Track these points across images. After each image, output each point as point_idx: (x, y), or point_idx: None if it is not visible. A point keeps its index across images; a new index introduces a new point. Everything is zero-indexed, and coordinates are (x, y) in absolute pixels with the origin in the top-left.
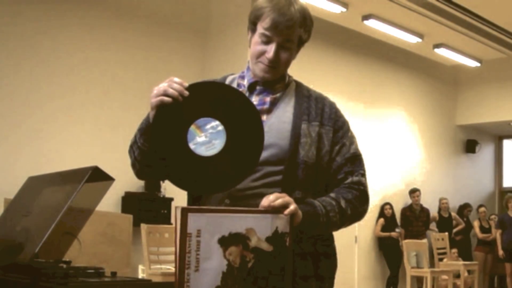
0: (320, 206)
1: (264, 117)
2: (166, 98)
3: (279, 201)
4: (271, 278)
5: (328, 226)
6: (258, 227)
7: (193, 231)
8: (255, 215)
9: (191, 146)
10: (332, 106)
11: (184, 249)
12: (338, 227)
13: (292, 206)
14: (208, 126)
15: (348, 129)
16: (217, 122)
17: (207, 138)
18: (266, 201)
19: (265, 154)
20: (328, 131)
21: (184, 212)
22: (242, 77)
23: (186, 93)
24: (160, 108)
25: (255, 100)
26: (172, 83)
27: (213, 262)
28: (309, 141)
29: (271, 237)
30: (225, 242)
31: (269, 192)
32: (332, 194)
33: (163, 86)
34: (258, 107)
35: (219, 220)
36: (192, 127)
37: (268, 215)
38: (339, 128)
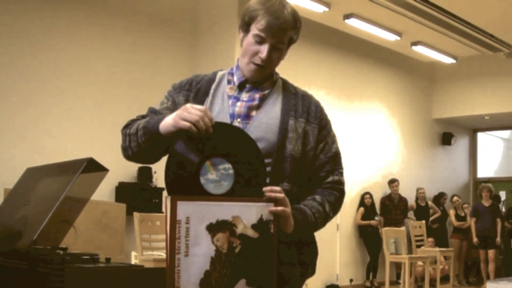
0: (311, 215)
1: (253, 113)
2: (194, 129)
3: (281, 195)
4: (258, 263)
5: (315, 230)
6: (244, 215)
7: (182, 218)
8: (241, 204)
9: (202, 180)
10: (318, 105)
11: (174, 235)
12: (320, 228)
13: (289, 209)
14: (221, 167)
15: (330, 128)
16: (229, 165)
17: (217, 177)
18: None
19: None
20: (313, 128)
21: (174, 200)
22: (232, 74)
23: (211, 131)
24: (182, 132)
25: (245, 96)
26: (205, 118)
27: (202, 248)
28: (295, 136)
29: (256, 224)
30: (213, 228)
31: None
32: (318, 197)
33: (195, 114)
34: (248, 103)
35: (207, 208)
36: (207, 163)
37: (253, 204)
38: (323, 126)
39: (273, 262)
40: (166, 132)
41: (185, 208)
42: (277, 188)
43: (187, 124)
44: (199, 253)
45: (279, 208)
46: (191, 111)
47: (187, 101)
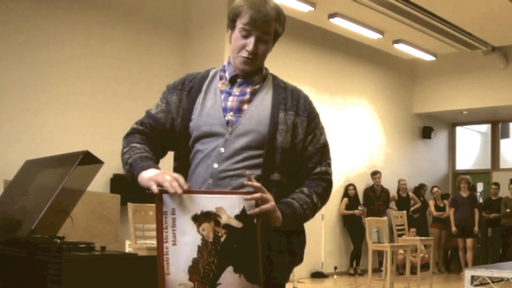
0: (299, 207)
1: (245, 106)
2: (156, 190)
3: (257, 195)
4: (243, 251)
5: (305, 221)
6: (227, 206)
7: (168, 209)
8: (223, 196)
9: None
10: (307, 98)
11: (161, 225)
12: (310, 219)
13: (269, 205)
14: None
15: (319, 121)
16: None
17: None
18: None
19: (246, 139)
20: (303, 121)
21: (159, 193)
22: (224, 71)
23: (180, 191)
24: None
25: (236, 91)
26: (174, 181)
27: (189, 237)
28: (285, 129)
29: (239, 215)
30: (198, 219)
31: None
32: (305, 190)
33: (166, 180)
34: (240, 98)
35: (191, 200)
36: None
37: (235, 196)
38: (312, 119)
39: (258, 250)
40: (141, 184)
41: (170, 200)
42: (257, 185)
43: (155, 188)
44: (186, 242)
45: (256, 210)
46: (164, 177)
47: (180, 100)
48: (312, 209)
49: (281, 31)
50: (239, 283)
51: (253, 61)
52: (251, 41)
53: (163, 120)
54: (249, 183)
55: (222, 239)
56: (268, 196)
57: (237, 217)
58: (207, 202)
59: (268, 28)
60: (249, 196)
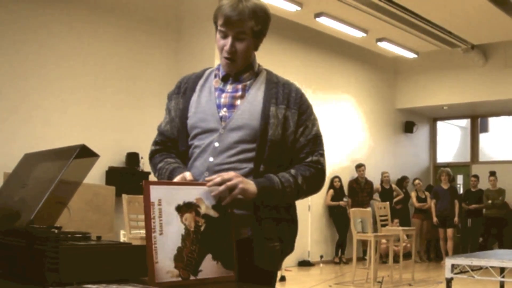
0: (278, 182)
1: (238, 102)
2: None
3: (222, 188)
4: (220, 239)
5: (284, 197)
6: (205, 197)
7: (155, 200)
8: (202, 187)
9: None
10: (298, 91)
11: (149, 215)
12: (294, 199)
13: (238, 190)
14: None
15: (311, 113)
16: None
17: None
18: (218, 179)
19: (239, 134)
20: (293, 113)
21: (147, 184)
22: (218, 69)
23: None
24: None
25: (229, 88)
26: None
27: (174, 227)
28: (276, 122)
29: (216, 205)
30: (181, 209)
31: (243, 166)
32: (292, 171)
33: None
34: (232, 94)
35: (175, 191)
36: None
37: (212, 188)
38: (303, 111)
39: (232, 238)
40: None
41: (157, 191)
42: (218, 180)
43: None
44: (172, 231)
45: (227, 199)
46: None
47: (177, 103)
48: (294, 189)
49: (258, 29)
50: (216, 269)
51: (233, 61)
52: (228, 41)
53: (170, 131)
54: (210, 183)
55: (202, 228)
56: (233, 181)
57: (214, 207)
58: (189, 193)
59: (242, 26)
60: (216, 192)
